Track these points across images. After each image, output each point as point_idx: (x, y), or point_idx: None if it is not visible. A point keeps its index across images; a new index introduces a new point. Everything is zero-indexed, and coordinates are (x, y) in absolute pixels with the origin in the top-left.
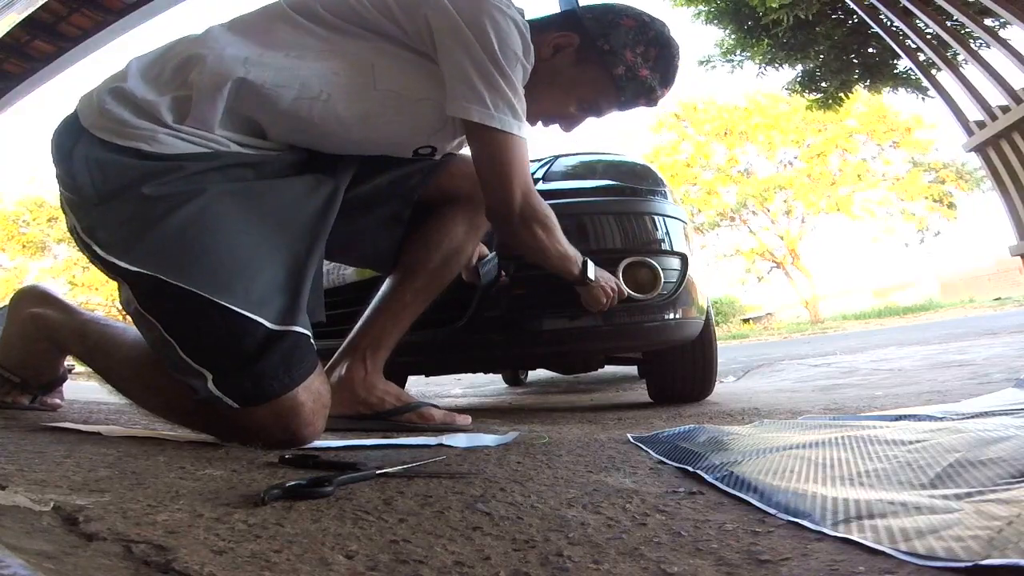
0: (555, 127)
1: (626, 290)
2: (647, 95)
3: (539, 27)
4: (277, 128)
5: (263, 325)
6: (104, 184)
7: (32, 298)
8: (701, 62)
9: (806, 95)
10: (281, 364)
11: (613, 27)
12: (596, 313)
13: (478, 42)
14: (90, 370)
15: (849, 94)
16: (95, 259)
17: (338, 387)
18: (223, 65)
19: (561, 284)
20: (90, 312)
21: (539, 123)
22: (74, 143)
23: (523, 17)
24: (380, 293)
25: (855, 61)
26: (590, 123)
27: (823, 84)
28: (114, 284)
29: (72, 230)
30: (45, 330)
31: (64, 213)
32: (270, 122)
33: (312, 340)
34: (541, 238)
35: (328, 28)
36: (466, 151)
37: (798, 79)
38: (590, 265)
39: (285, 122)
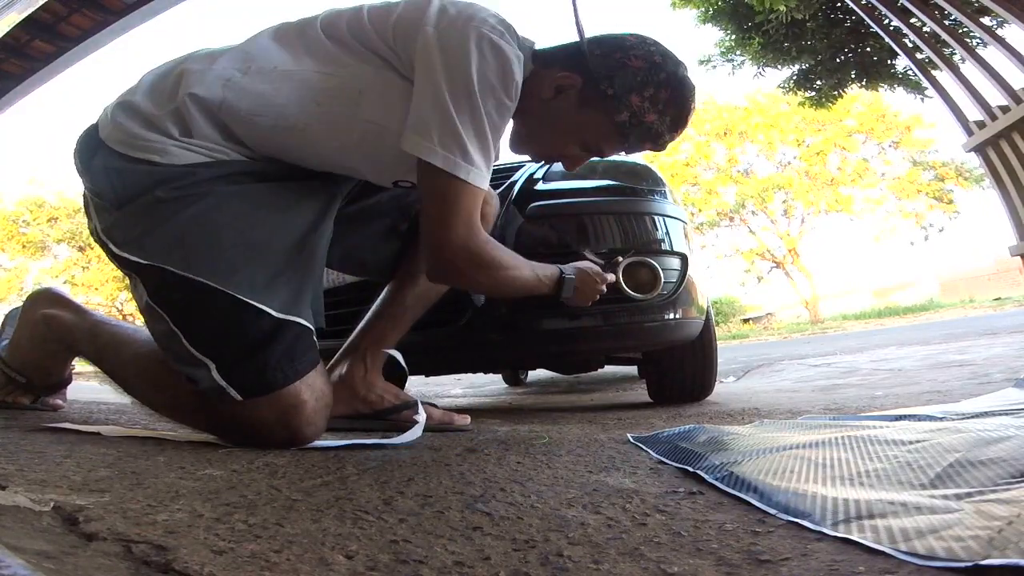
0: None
1: (618, 283)
2: (653, 140)
3: (544, 61)
4: (263, 148)
5: (267, 313)
6: (123, 190)
7: (45, 300)
8: (701, 62)
9: (800, 93)
10: (284, 355)
11: (619, 68)
12: (589, 305)
13: (446, 72)
14: (98, 370)
15: (843, 92)
16: (112, 257)
17: (338, 386)
18: (204, 85)
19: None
20: (101, 314)
21: (542, 161)
22: (93, 154)
23: (518, 48)
24: (381, 296)
25: (851, 60)
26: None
27: (818, 83)
28: (113, 284)
29: (93, 231)
30: (57, 331)
31: (87, 216)
32: (255, 142)
33: (314, 336)
34: (485, 282)
35: (334, 43)
36: None
37: (793, 78)
38: (566, 280)
39: (268, 144)
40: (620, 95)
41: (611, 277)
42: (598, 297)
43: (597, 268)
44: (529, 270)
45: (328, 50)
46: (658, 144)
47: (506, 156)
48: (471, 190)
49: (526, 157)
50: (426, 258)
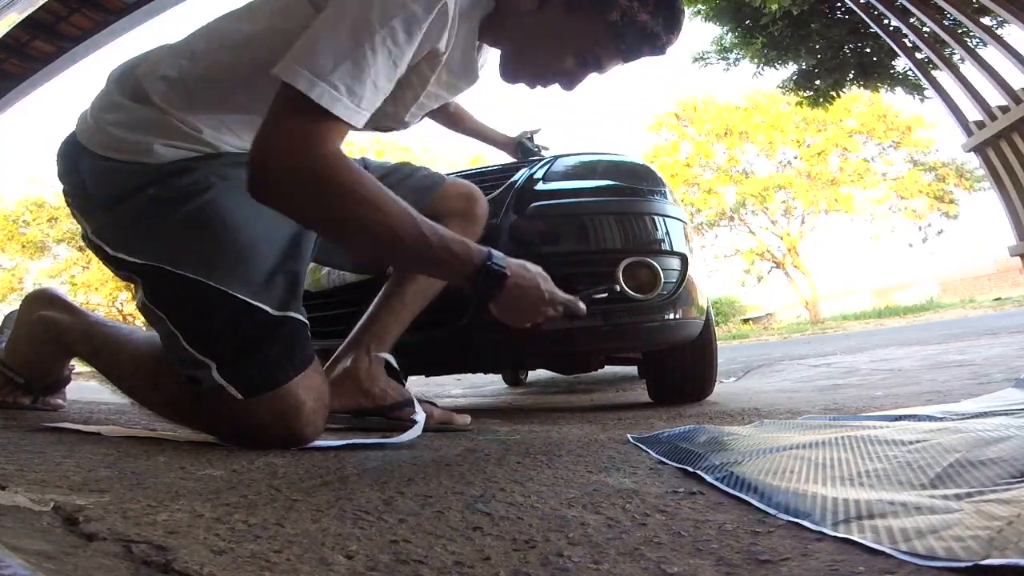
0: (556, 87)
1: (618, 283)
2: (651, 42)
3: None
4: (248, 120)
5: (264, 311)
6: (114, 188)
7: (42, 301)
8: (696, 58)
9: (799, 93)
10: (283, 352)
11: None
12: (524, 329)
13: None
14: (95, 371)
15: (841, 92)
16: (106, 259)
17: (342, 378)
18: (163, 77)
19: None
20: (98, 315)
21: (538, 86)
22: (78, 160)
23: None
24: (382, 292)
25: (851, 60)
26: (592, 79)
27: (817, 83)
28: (112, 284)
29: (84, 236)
30: (54, 332)
31: (77, 220)
32: (234, 118)
33: (309, 330)
34: (320, 211)
35: (278, 8)
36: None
37: (793, 77)
38: (492, 268)
39: (244, 114)
40: None
41: (581, 308)
42: (538, 319)
43: (550, 284)
44: (419, 228)
45: (274, 11)
46: (656, 46)
47: (504, 157)
48: (323, 114)
49: (522, 85)
50: (248, 166)
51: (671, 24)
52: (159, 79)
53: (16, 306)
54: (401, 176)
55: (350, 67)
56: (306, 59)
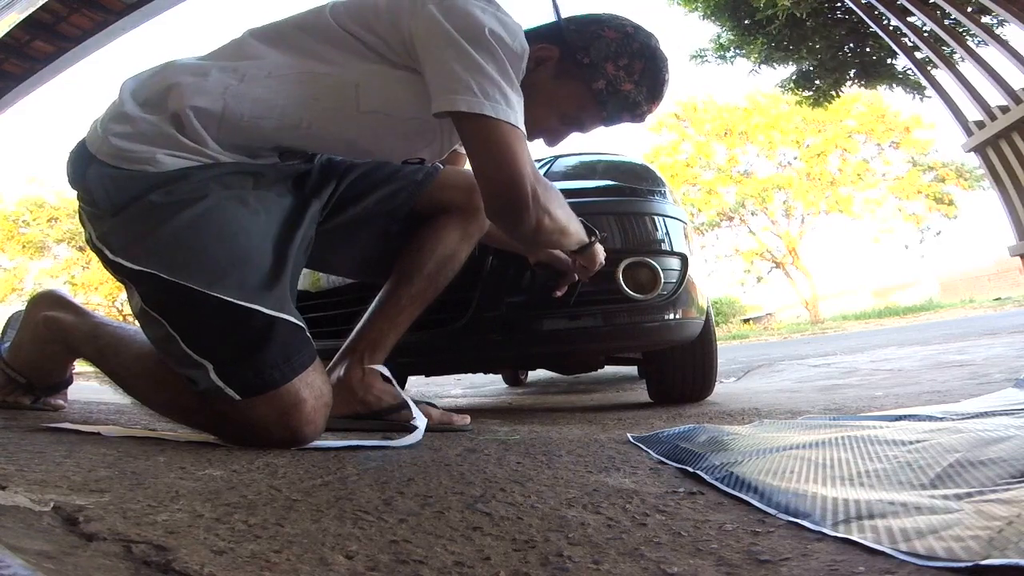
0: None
1: (618, 283)
2: (631, 110)
3: None
4: (266, 149)
5: (259, 312)
6: (118, 196)
7: (48, 302)
8: (693, 56)
9: (799, 92)
10: (280, 353)
11: (594, 39)
12: (588, 279)
13: (462, 34)
14: (99, 371)
15: (840, 92)
16: (107, 263)
17: (336, 387)
18: (204, 96)
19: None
20: (103, 316)
21: None
22: (87, 167)
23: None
24: (378, 297)
25: (851, 59)
26: (574, 137)
27: (817, 82)
28: (112, 284)
29: (88, 239)
30: (58, 332)
31: (82, 225)
32: (259, 143)
33: (307, 333)
34: (560, 219)
35: (318, 40)
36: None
37: (793, 77)
38: (591, 228)
39: (273, 144)
40: (596, 63)
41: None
42: (596, 267)
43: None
44: (572, 213)
45: (315, 48)
46: (636, 115)
47: None
48: (523, 135)
49: None
50: (498, 209)
51: (653, 94)
52: (201, 93)
53: (16, 307)
54: (394, 168)
55: (513, 91)
56: (490, 90)
